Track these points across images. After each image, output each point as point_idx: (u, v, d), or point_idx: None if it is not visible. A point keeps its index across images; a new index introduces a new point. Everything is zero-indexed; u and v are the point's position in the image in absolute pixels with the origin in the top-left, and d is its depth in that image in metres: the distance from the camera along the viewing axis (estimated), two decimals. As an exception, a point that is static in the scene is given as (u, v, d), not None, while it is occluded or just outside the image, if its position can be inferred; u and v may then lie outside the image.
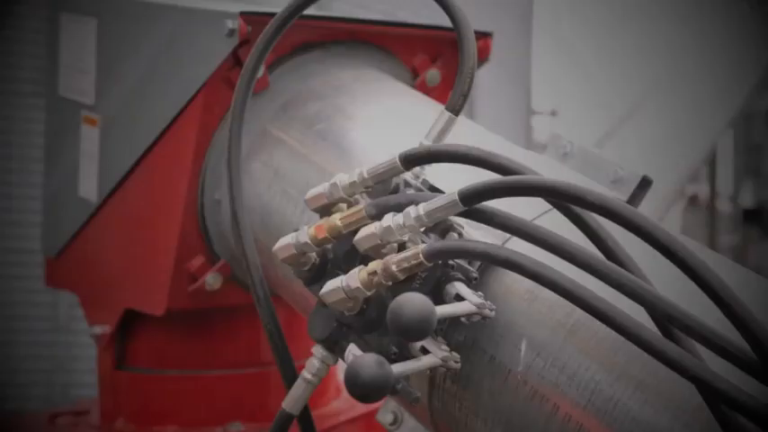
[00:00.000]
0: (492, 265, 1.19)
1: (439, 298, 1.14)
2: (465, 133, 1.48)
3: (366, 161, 1.27)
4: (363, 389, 1.02)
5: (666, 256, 0.94)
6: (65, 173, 1.98)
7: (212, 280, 1.77)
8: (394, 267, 1.10)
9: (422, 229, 1.14)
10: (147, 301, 1.82)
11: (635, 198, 1.29)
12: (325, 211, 1.25)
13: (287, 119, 1.65)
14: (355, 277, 1.12)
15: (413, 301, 1.01)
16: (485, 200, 1.09)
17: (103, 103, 1.87)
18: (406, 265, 1.10)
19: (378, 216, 1.17)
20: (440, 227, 1.18)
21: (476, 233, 1.19)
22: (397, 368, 1.09)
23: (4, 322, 4.60)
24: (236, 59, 1.65)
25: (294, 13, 1.41)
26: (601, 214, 0.98)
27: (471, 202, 1.09)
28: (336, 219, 1.20)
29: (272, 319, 1.35)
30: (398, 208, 1.15)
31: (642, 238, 0.96)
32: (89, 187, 1.91)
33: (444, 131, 1.27)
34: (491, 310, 1.12)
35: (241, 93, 1.41)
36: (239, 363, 1.93)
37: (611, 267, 0.97)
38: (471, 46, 1.27)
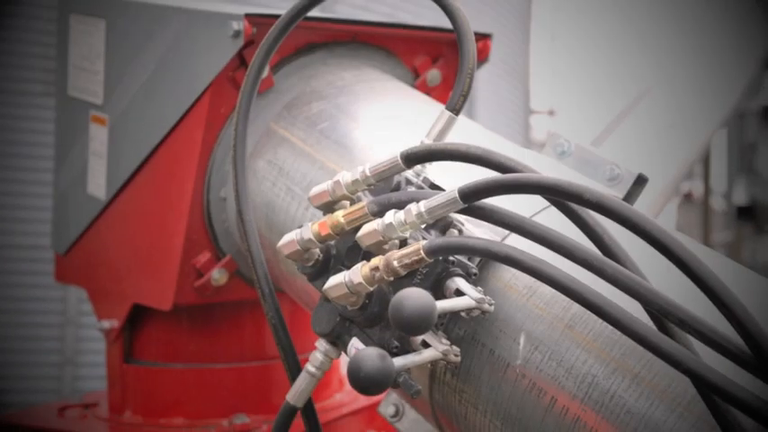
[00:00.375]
0: (492, 261, 1.19)
1: (439, 293, 1.14)
2: (465, 132, 1.48)
3: (368, 159, 1.27)
4: (366, 382, 1.03)
5: (662, 252, 0.94)
6: (74, 171, 1.98)
7: (218, 275, 1.78)
8: (395, 263, 1.10)
9: (423, 226, 1.15)
10: (154, 296, 1.82)
11: (631, 195, 1.30)
12: (329, 208, 1.25)
13: (291, 118, 1.66)
14: (358, 273, 1.13)
15: (414, 296, 1.02)
16: (484, 197, 1.09)
17: (112, 103, 1.87)
18: (407, 260, 1.10)
19: (380, 213, 1.17)
20: (440, 224, 1.18)
21: (476, 230, 1.19)
22: (399, 362, 1.09)
23: (14, 317, 4.61)
24: (241, 60, 1.65)
25: (298, 15, 1.41)
26: (598, 211, 0.98)
27: (471, 200, 1.09)
28: (339, 216, 1.21)
29: (277, 313, 1.35)
30: (400, 205, 1.16)
31: (638, 235, 0.96)
32: (98, 185, 1.91)
33: (445, 130, 1.27)
34: (490, 304, 1.12)
35: (246, 92, 1.41)
36: (244, 356, 1.93)
37: (608, 263, 0.98)
38: (471, 47, 1.27)
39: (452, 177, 1.21)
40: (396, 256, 1.10)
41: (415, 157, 1.19)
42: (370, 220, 1.17)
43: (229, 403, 1.90)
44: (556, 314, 1.13)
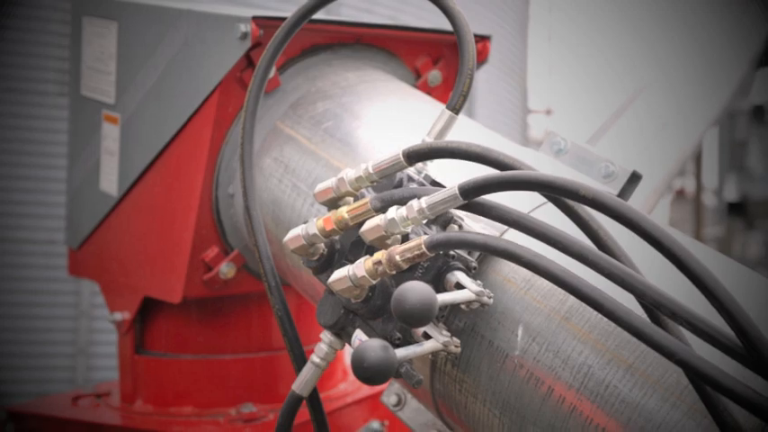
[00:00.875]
0: (490, 255, 1.19)
1: (440, 286, 1.14)
2: (465, 131, 1.48)
3: (371, 157, 1.27)
4: (369, 372, 1.03)
5: (655, 246, 0.94)
6: (87, 168, 1.98)
7: (226, 269, 1.78)
8: (398, 257, 1.10)
9: (424, 222, 1.15)
10: (164, 289, 1.83)
11: (625, 192, 1.30)
12: (333, 204, 1.25)
13: (297, 117, 1.66)
14: (361, 266, 1.13)
15: (415, 289, 1.02)
16: (483, 194, 1.09)
17: (124, 103, 1.87)
18: (409, 255, 1.10)
19: (382, 209, 1.17)
20: (441, 219, 1.18)
21: (475, 225, 1.19)
22: (401, 352, 1.09)
23: (29, 310, 4.63)
24: (248, 61, 1.65)
25: (303, 17, 1.41)
26: (593, 207, 0.98)
27: (471, 196, 1.09)
28: (343, 211, 1.21)
29: (283, 306, 1.35)
30: (402, 201, 1.16)
31: (632, 230, 0.96)
32: (110, 182, 1.91)
33: (445, 129, 1.27)
34: (489, 297, 1.12)
35: (253, 92, 1.41)
36: (251, 347, 1.93)
37: (603, 257, 0.98)
38: (471, 48, 1.27)
39: (453, 174, 1.21)
40: (398, 251, 1.10)
41: (416, 155, 1.19)
42: (374, 216, 1.17)
43: (237, 393, 1.91)
44: (553, 306, 1.13)
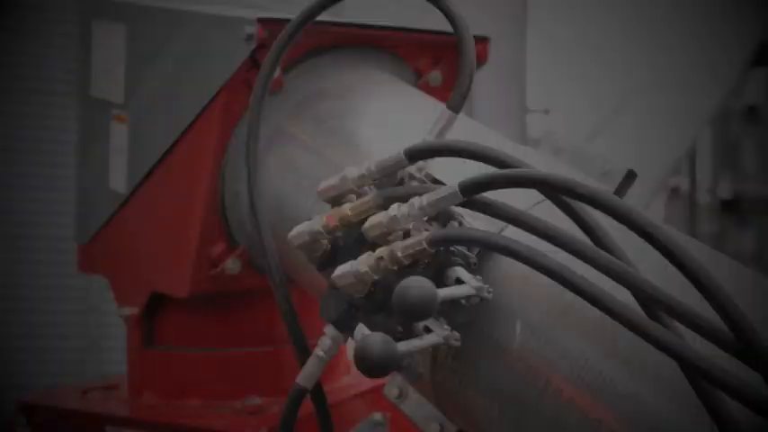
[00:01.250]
0: (490, 251, 1.19)
1: (441, 281, 1.14)
2: (465, 130, 1.48)
3: (373, 156, 1.27)
4: (371, 365, 1.03)
5: (650, 243, 0.94)
6: (96, 167, 1.98)
7: (232, 265, 1.78)
8: (399, 253, 1.10)
9: (425, 218, 1.15)
10: (172, 284, 1.83)
11: (621, 189, 1.30)
12: (336, 201, 1.25)
13: (301, 116, 1.66)
14: (364, 262, 1.13)
15: (417, 285, 1.02)
16: (483, 191, 1.09)
17: (132, 103, 1.87)
18: (410, 251, 1.10)
19: (384, 206, 1.17)
20: (442, 216, 1.18)
21: (475, 222, 1.20)
22: (402, 346, 1.09)
23: (40, 305, 4.62)
24: (253, 62, 1.65)
25: (307, 18, 1.41)
26: (590, 204, 0.99)
27: (471, 194, 1.09)
28: (346, 209, 1.21)
29: (287, 301, 1.35)
30: (403, 199, 1.16)
31: (628, 227, 0.96)
32: (119, 180, 1.91)
33: (446, 128, 1.27)
34: (489, 292, 1.12)
35: (258, 92, 1.41)
36: (257, 341, 1.93)
37: (600, 253, 0.98)
38: (471, 49, 1.27)
39: (453, 172, 1.21)
40: (400, 247, 1.10)
41: (417, 154, 1.19)
42: (376, 213, 1.17)
43: (242, 386, 1.91)
44: (551, 301, 1.13)
